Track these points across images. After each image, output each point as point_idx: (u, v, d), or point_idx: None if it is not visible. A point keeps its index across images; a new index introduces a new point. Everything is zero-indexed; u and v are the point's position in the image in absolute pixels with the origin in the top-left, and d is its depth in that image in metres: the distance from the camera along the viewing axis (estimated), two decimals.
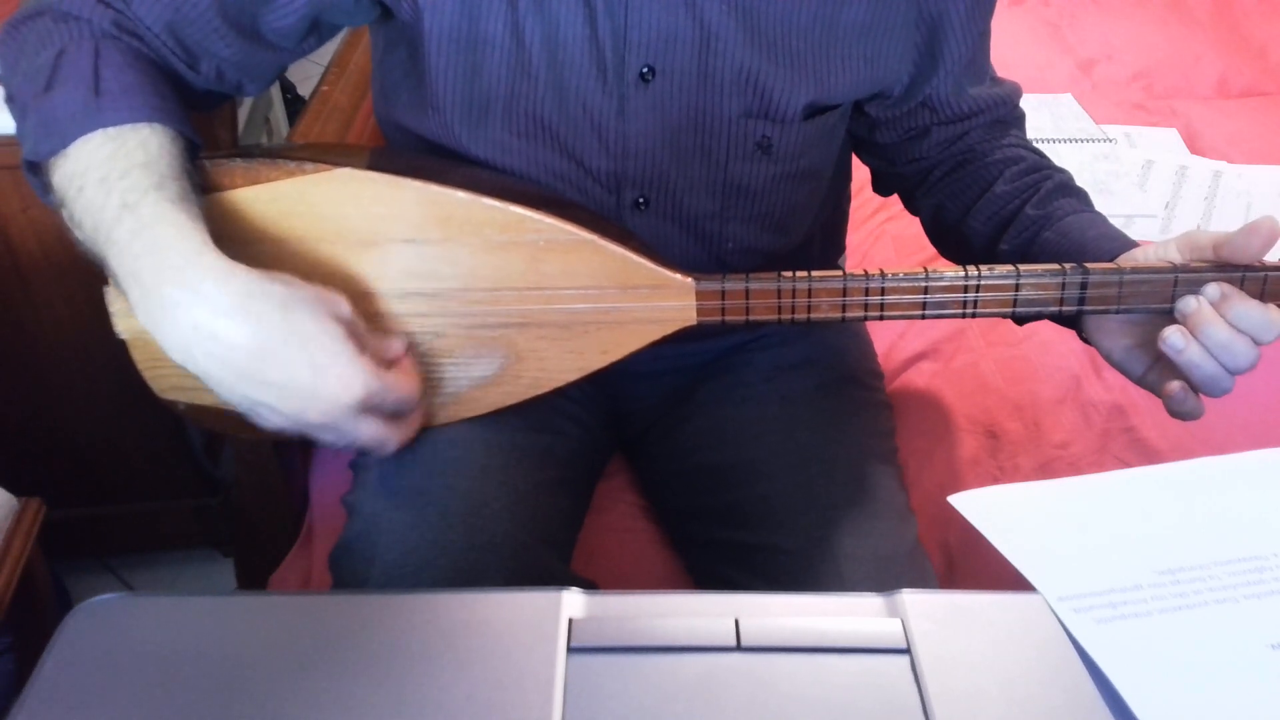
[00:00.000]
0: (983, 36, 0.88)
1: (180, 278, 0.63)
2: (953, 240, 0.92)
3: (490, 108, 0.81)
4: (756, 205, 0.87)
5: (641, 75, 0.79)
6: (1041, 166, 0.89)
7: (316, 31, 0.81)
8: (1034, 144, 0.93)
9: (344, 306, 0.68)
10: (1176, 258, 0.73)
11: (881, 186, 1.01)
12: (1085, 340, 0.80)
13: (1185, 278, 0.71)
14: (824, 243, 1.01)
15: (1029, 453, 1.10)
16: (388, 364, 0.72)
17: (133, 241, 0.64)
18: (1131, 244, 0.78)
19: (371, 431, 0.69)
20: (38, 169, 0.71)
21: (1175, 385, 0.72)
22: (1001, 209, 0.87)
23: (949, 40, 0.85)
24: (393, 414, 0.71)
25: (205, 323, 0.63)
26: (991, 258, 0.86)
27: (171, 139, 0.69)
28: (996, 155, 0.89)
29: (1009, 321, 1.24)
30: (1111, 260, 0.76)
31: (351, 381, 0.65)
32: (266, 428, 0.68)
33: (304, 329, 0.64)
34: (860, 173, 1.02)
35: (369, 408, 0.67)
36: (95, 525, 1.44)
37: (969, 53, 0.86)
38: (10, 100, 0.73)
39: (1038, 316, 0.79)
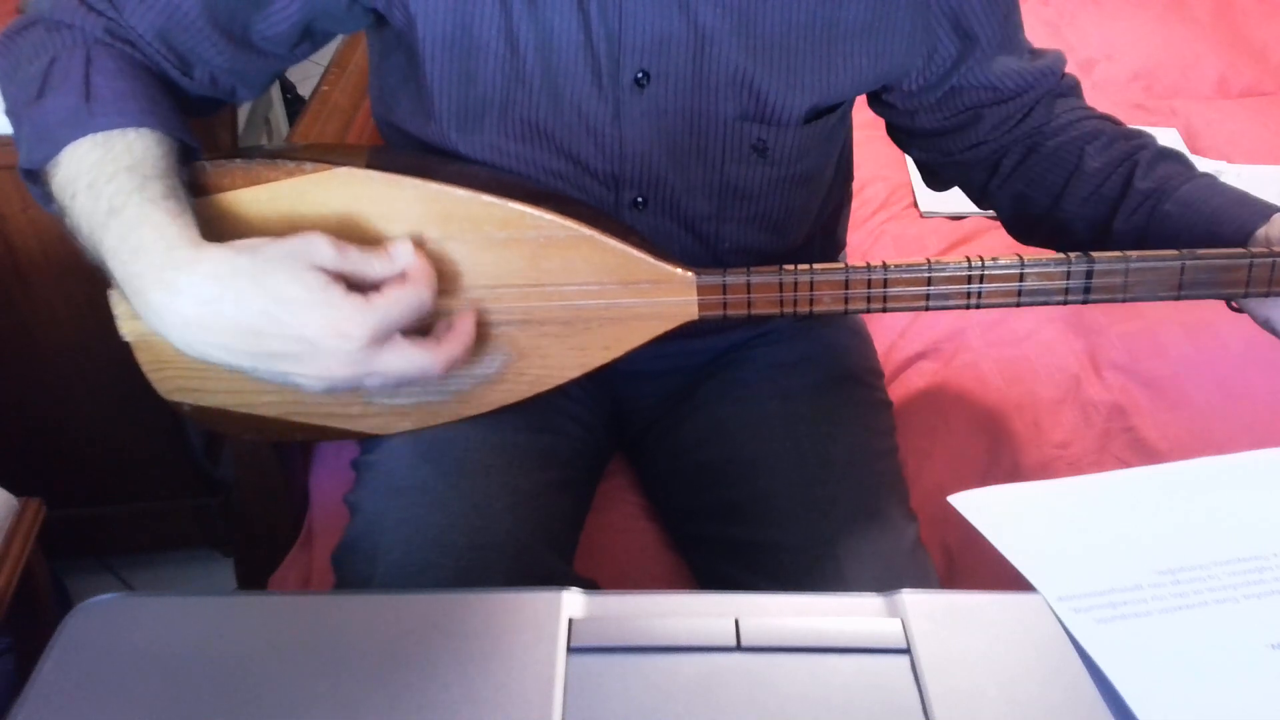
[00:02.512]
0: (1010, 12, 0.86)
1: (159, 278, 0.63)
2: (1046, 229, 0.89)
3: (486, 113, 0.81)
4: (753, 207, 0.87)
5: (636, 80, 0.79)
6: (1128, 134, 0.85)
7: (309, 38, 0.81)
8: (1101, 112, 0.89)
9: (322, 250, 0.65)
10: None
11: (937, 182, 0.97)
12: (1234, 308, 0.78)
13: (1191, 265, 0.71)
14: (824, 243, 1.01)
15: (1029, 453, 1.10)
16: (391, 283, 0.67)
17: (120, 247, 0.64)
18: (1270, 207, 0.75)
19: (403, 361, 0.65)
20: (36, 177, 0.71)
21: None
22: (1100, 186, 0.84)
23: (975, 23, 0.83)
24: (421, 331, 0.68)
25: (193, 317, 0.63)
26: (1099, 242, 0.82)
27: (158, 141, 0.69)
28: (1072, 132, 0.86)
29: (1009, 321, 1.26)
30: (1251, 232, 0.74)
31: (344, 325, 0.63)
32: (317, 393, 0.66)
33: (280, 292, 0.62)
34: (860, 173, 1.01)
35: (383, 338, 0.65)
36: (95, 525, 1.44)
37: (1000, 31, 0.84)
38: (8, 110, 0.73)
39: (1045, 303, 0.77)
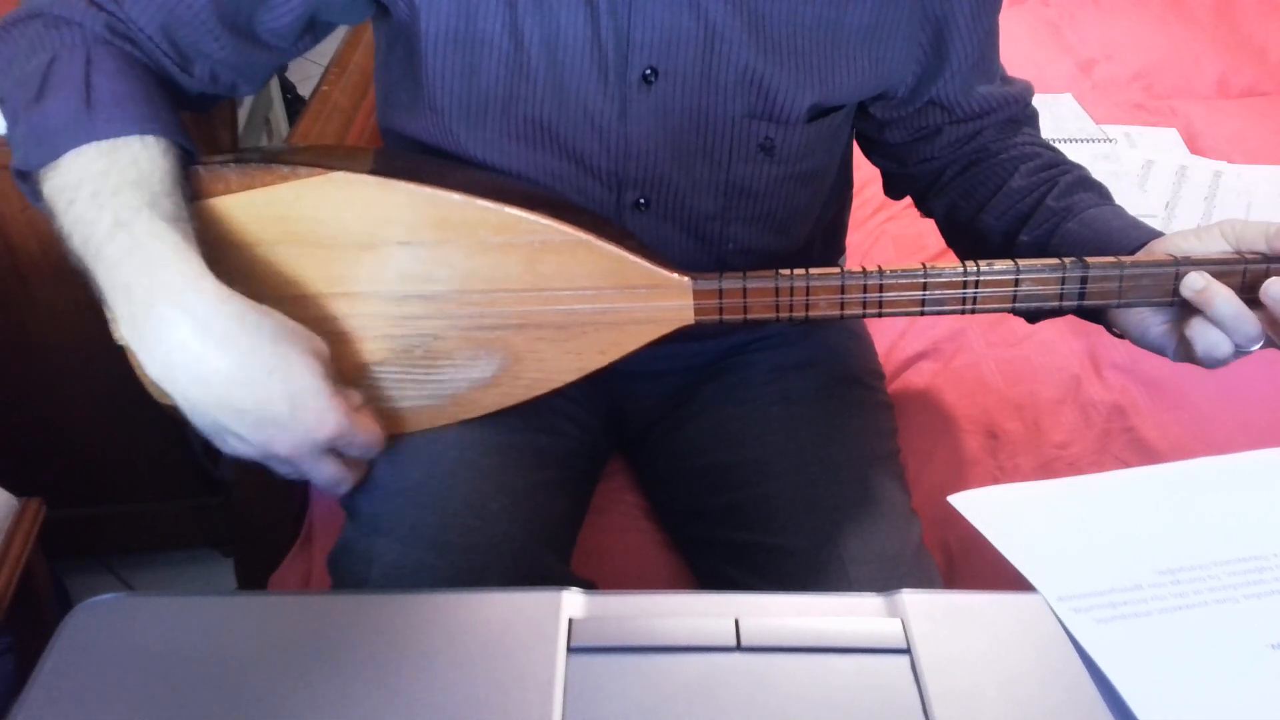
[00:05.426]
0: (989, 35, 0.88)
1: (175, 298, 0.64)
2: (967, 238, 0.92)
3: (488, 109, 0.80)
4: (758, 206, 0.87)
5: (644, 77, 0.79)
6: (1058, 162, 0.88)
7: (312, 31, 0.81)
8: (1048, 142, 0.92)
9: (324, 347, 0.70)
10: (1222, 245, 0.72)
11: (893, 190, 1.00)
12: (1116, 334, 0.79)
13: (1186, 271, 0.71)
14: (825, 244, 1.01)
15: (1029, 453, 1.10)
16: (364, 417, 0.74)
17: (125, 259, 0.65)
18: (1157, 234, 0.77)
19: (330, 471, 0.72)
20: (27, 176, 0.71)
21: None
22: (1018, 203, 0.86)
23: (955, 39, 0.84)
24: (353, 458, 0.75)
25: (193, 344, 0.64)
26: (1008, 252, 0.85)
27: (164, 151, 0.69)
28: (1011, 153, 0.89)
29: (1009, 321, 1.25)
30: (1138, 248, 0.75)
31: (326, 419, 0.68)
32: (227, 453, 0.69)
33: (289, 363, 0.66)
34: (860, 173, 1.02)
35: (334, 448, 0.70)
36: (95, 525, 1.44)
37: (976, 51, 0.86)
38: (2, 107, 0.73)
39: (1040, 314, 0.79)
